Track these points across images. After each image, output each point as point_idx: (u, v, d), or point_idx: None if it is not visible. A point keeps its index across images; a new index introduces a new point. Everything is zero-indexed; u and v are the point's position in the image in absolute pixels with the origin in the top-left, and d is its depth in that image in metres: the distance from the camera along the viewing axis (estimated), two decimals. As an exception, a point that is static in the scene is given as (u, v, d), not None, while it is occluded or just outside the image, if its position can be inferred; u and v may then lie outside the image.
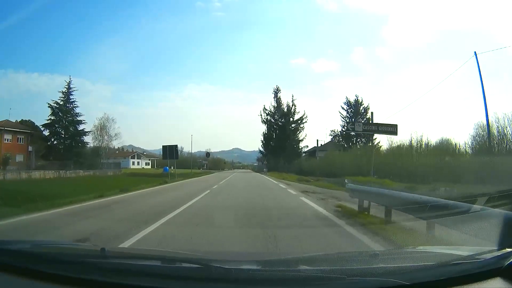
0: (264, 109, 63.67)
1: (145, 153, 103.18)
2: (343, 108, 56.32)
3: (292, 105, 62.42)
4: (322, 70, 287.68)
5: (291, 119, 61.95)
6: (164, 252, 2.90)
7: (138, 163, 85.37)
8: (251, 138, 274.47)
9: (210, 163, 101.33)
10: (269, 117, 63.51)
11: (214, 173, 53.82)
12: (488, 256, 1.60)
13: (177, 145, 28.27)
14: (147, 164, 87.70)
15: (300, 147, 62.91)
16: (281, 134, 60.86)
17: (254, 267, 1.91)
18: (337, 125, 66.43)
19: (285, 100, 63.69)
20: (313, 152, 54.31)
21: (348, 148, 48.92)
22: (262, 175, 42.73)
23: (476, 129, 21.96)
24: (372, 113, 48.41)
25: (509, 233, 2.80)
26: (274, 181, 25.89)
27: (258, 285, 1.45)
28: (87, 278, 1.45)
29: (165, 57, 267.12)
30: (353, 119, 53.51)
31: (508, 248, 1.62)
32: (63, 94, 40.56)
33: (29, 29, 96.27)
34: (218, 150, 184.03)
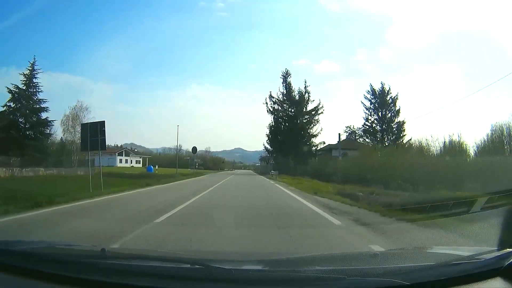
0: (271, 96, 49.78)
1: (136, 149, 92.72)
2: (366, 97, 45.60)
3: (305, 92, 48.86)
4: (325, 71, 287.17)
5: (304, 109, 48.95)
6: (164, 252, 2.90)
7: (126, 160, 75.82)
8: (253, 139, 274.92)
9: (208, 162, 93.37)
10: (276, 106, 49.96)
11: (205, 175, 40.08)
12: (488, 256, 1.60)
13: (103, 122, 14.21)
14: (137, 162, 77.80)
15: (314, 144, 49.27)
16: (292, 127, 48.19)
17: (254, 267, 1.91)
18: (357, 119, 56.28)
19: (297, 87, 50.08)
20: (327, 150, 45.16)
21: (374, 145, 40.17)
22: (272, 182, 25.88)
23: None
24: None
25: (509, 233, 2.80)
26: (313, 207, 9.89)
27: (258, 285, 1.45)
28: (87, 278, 1.45)
29: (167, 57, 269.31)
30: (379, 112, 44.94)
31: (508, 248, 1.62)
32: (25, 76, 32.63)
33: (32, 27, 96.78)
34: (220, 150, 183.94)
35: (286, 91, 49.67)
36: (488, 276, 1.44)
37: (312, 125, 49.06)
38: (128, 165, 70.90)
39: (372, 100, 45.71)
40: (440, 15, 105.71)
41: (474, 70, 78.12)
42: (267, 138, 51.62)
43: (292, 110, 49.27)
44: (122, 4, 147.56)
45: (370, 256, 2.18)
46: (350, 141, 44.87)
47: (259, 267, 1.93)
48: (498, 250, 1.71)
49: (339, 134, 36.76)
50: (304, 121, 48.95)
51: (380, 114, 45.19)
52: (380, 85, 45.64)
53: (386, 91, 45.03)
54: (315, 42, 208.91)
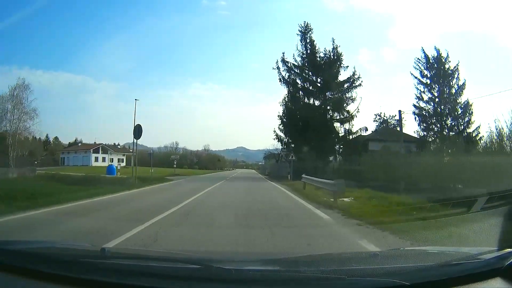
0: (284, 61, 32.36)
1: (119, 146, 78.94)
2: (416, 68, 31.69)
3: (334, 55, 31.93)
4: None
5: (336, 79, 31.77)
6: (164, 252, 2.90)
7: (104, 159, 63.90)
8: (256, 138, 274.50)
9: (204, 160, 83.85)
10: (293, 75, 32.75)
11: (175, 180, 25.05)
12: (488, 256, 1.61)
13: None
14: (120, 160, 64.49)
15: (352, 131, 31.78)
16: (320, 105, 32.09)
17: (254, 267, 1.91)
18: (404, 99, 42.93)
19: (322, 47, 32.83)
20: (365, 142, 31.26)
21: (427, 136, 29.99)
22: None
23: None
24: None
25: (509, 233, 2.80)
26: None
27: (258, 285, 1.45)
28: (87, 278, 1.45)
29: (170, 56, 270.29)
30: (437, 87, 31.09)
31: (508, 248, 1.62)
32: None
33: (33, 27, 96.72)
34: (223, 149, 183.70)
35: (307, 51, 32.27)
36: (488, 276, 1.44)
37: (345, 104, 31.75)
38: (105, 163, 59.60)
39: (424, 71, 31.52)
40: (442, 15, 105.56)
41: (478, 69, 77.15)
42: (279, 122, 33.05)
43: (318, 79, 32.33)
44: (124, 3, 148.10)
45: (370, 256, 2.18)
46: (388, 131, 34.26)
47: (259, 267, 1.93)
48: (498, 250, 1.71)
49: (400, 111, 24.44)
50: (336, 97, 31.92)
51: (437, 91, 31.32)
52: (435, 51, 31.44)
53: (444, 59, 31.11)
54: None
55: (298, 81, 33.15)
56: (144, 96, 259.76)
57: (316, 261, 2.17)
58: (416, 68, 32.10)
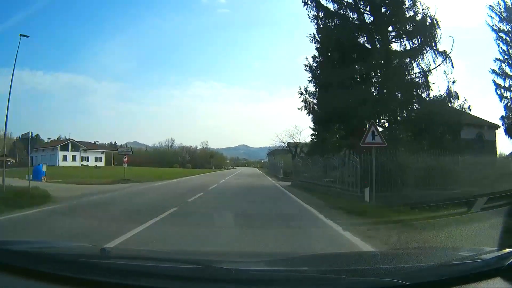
0: None
1: (98, 142, 67.69)
2: (493, 16, 22.28)
3: None
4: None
5: (402, 6, 15.46)
6: (164, 252, 2.89)
7: (74, 157, 55.46)
8: (258, 135, 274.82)
9: (198, 158, 73.40)
10: (327, 2, 16.41)
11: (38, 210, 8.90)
12: (488, 256, 1.61)
13: None
14: (98, 159, 58.22)
15: (445, 95, 14.91)
16: (376, 56, 15.52)
17: (254, 267, 1.91)
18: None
19: None
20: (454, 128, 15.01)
21: None
22: None
23: None
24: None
25: (509, 233, 2.81)
26: None
27: (258, 285, 1.45)
28: (87, 278, 1.45)
29: (171, 55, 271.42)
30: None
31: (508, 248, 1.62)
32: None
33: (33, 28, 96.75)
34: (225, 147, 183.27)
35: None
36: (488, 276, 1.44)
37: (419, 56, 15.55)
38: (76, 163, 53.02)
39: (499, 25, 22.02)
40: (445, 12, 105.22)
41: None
42: (309, 76, 18.14)
43: (371, 9, 16.35)
44: (124, 3, 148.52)
45: (370, 256, 2.18)
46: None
47: (259, 267, 1.93)
48: (498, 250, 1.71)
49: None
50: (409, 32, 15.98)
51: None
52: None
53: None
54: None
55: (338, 12, 16.85)
56: (144, 95, 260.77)
57: (316, 261, 2.17)
58: (492, 16, 22.37)
